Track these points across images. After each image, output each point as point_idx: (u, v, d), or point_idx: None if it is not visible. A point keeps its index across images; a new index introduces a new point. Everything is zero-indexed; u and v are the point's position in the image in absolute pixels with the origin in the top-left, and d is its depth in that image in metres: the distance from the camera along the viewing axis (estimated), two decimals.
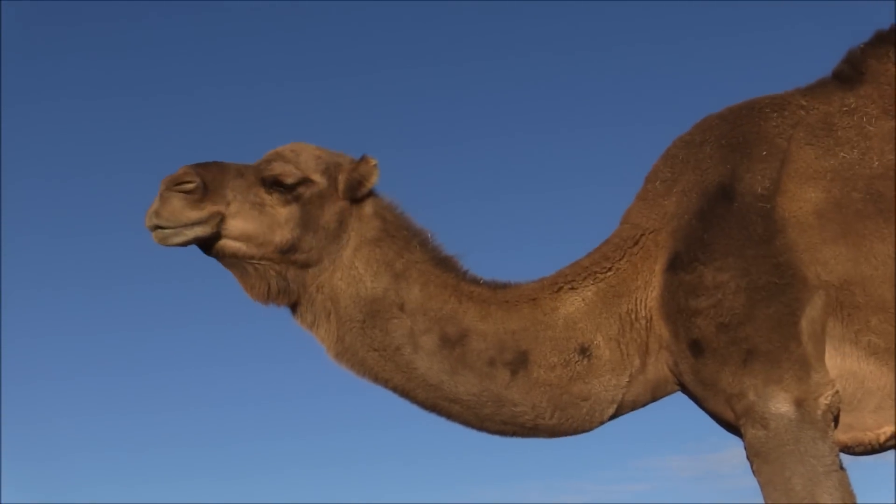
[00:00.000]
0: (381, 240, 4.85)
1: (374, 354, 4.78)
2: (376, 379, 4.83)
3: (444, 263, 4.88)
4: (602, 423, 4.82)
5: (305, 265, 4.78)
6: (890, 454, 4.74)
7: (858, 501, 4.48)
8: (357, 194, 4.85)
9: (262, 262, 4.74)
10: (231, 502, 12.20)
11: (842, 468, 4.47)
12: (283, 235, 4.72)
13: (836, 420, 4.55)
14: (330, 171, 4.85)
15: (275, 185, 4.75)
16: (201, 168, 4.70)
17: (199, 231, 4.64)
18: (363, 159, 4.88)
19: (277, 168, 4.76)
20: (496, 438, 4.90)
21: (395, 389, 4.83)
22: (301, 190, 4.76)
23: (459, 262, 4.92)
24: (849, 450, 4.64)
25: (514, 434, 4.83)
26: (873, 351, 4.50)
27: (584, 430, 4.82)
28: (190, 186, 4.63)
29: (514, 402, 4.72)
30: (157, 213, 4.63)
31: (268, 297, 4.79)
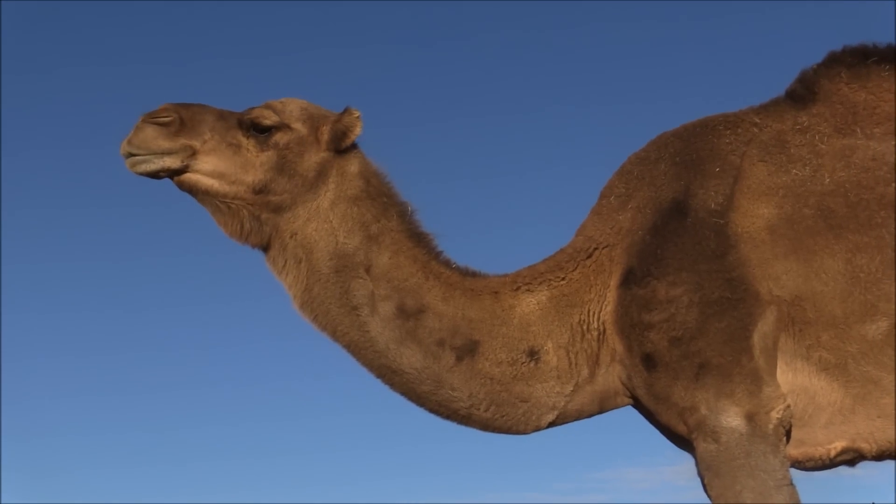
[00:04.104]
0: (360, 199, 4.94)
1: (336, 308, 4.85)
2: (335, 333, 4.90)
3: (419, 238, 4.96)
4: (539, 428, 4.86)
5: (278, 209, 4.88)
6: None
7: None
8: (341, 145, 4.95)
9: (236, 201, 4.86)
10: (230, 502, 12.17)
11: (792, 483, 4.50)
12: (255, 176, 4.84)
13: (788, 435, 4.59)
14: (313, 122, 4.96)
15: (252, 128, 4.89)
16: (182, 106, 4.87)
17: (169, 161, 4.78)
18: (347, 111, 4.97)
19: (256, 112, 4.91)
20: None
21: (348, 347, 4.90)
22: (278, 136, 4.89)
23: (434, 242, 5.00)
24: (800, 465, 4.67)
25: (448, 418, 4.89)
26: (824, 367, 4.54)
27: (518, 432, 4.87)
28: (166, 119, 4.80)
29: (453, 387, 4.79)
30: (129, 141, 4.79)
31: (240, 236, 4.91)
